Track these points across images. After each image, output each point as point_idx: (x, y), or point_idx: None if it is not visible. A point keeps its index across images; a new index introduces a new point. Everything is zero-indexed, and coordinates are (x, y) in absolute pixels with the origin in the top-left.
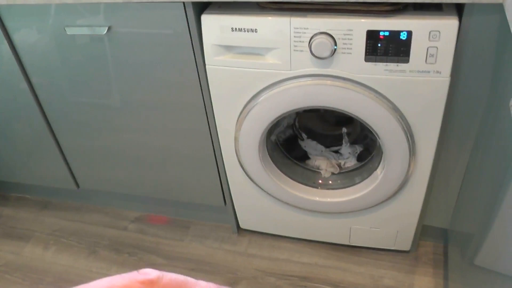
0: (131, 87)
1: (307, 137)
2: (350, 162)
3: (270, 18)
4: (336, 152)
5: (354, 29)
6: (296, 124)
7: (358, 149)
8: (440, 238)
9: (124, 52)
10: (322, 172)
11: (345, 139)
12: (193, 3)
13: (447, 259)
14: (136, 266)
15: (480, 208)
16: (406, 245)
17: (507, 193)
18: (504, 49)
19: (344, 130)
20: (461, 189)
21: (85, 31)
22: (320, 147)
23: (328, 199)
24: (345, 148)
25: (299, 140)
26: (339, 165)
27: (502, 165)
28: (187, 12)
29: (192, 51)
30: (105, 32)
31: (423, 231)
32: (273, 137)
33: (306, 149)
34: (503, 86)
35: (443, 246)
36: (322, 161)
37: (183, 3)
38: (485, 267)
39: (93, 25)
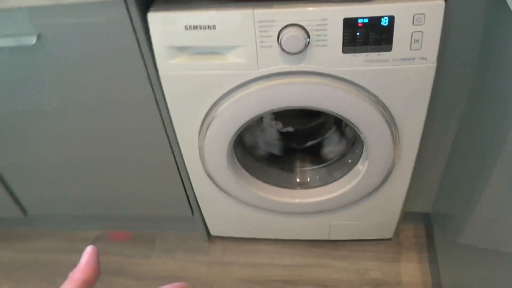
0: (73, 94)
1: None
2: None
3: (229, 11)
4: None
5: (328, 18)
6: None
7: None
8: (420, 220)
9: (59, 65)
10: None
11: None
12: None
13: (431, 242)
14: None
15: (466, 186)
16: (388, 233)
17: (491, 174)
18: (492, 30)
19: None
20: (445, 171)
21: (9, 42)
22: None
23: (308, 199)
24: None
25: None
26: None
27: (489, 143)
28: (130, 11)
29: (141, 57)
30: (33, 42)
31: (404, 216)
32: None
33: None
34: (489, 70)
35: (424, 228)
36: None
37: (124, 0)
38: (472, 245)
39: (18, 34)
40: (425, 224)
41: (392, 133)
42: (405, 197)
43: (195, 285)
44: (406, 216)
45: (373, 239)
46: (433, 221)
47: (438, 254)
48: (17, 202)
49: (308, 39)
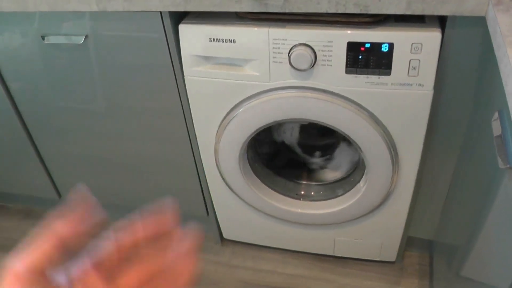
0: (111, 95)
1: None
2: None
3: (248, 28)
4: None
5: (334, 40)
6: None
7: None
8: (426, 249)
9: (103, 60)
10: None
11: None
12: (171, 12)
13: (433, 270)
14: None
15: (466, 219)
16: (391, 256)
17: (493, 205)
18: (487, 62)
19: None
20: (446, 200)
21: (62, 40)
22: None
23: (311, 211)
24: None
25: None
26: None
27: (486, 178)
28: (164, 21)
29: (170, 62)
30: (81, 42)
31: (409, 242)
32: (257, 149)
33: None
34: (485, 100)
35: (428, 257)
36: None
37: (160, 12)
38: (471, 278)
39: (69, 34)
40: (430, 253)
41: (391, 154)
42: (406, 221)
43: (201, 281)
44: (413, 242)
45: (377, 261)
46: (434, 249)
47: (434, 282)
48: (54, 185)
49: (314, 58)
